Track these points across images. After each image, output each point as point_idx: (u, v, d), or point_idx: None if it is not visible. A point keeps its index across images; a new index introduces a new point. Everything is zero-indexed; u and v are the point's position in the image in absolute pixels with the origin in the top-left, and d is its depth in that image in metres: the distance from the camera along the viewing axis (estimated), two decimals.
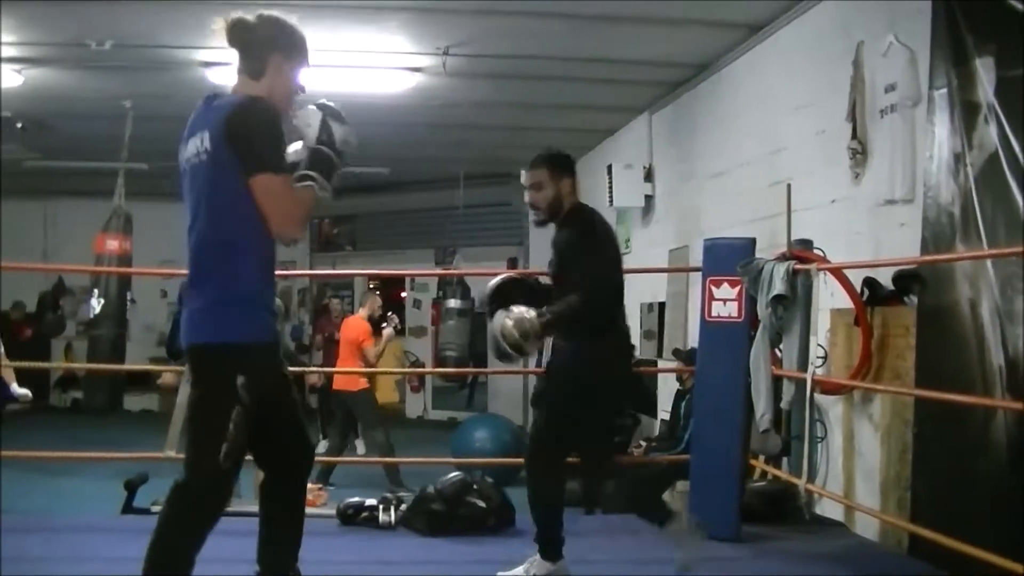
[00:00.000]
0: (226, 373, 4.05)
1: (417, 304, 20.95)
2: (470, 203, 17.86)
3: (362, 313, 12.72)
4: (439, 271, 18.65)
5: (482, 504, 6.94)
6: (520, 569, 5.66)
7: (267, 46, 4.23)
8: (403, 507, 6.90)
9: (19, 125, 13.31)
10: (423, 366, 20.42)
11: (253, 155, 4.03)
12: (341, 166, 4.32)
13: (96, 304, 12.55)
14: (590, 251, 5.58)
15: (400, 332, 15.46)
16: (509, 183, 18.69)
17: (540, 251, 18.37)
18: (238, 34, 4.24)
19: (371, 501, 7.08)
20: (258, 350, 4.16)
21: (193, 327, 4.16)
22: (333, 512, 7.25)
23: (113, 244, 12.16)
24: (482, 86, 11.71)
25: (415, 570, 5.99)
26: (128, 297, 13.02)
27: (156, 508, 8.00)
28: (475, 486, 7.03)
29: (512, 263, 18.54)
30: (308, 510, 7.67)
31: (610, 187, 12.71)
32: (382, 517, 6.83)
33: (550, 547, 5.69)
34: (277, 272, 4.42)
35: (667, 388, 11.24)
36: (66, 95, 11.88)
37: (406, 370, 20.75)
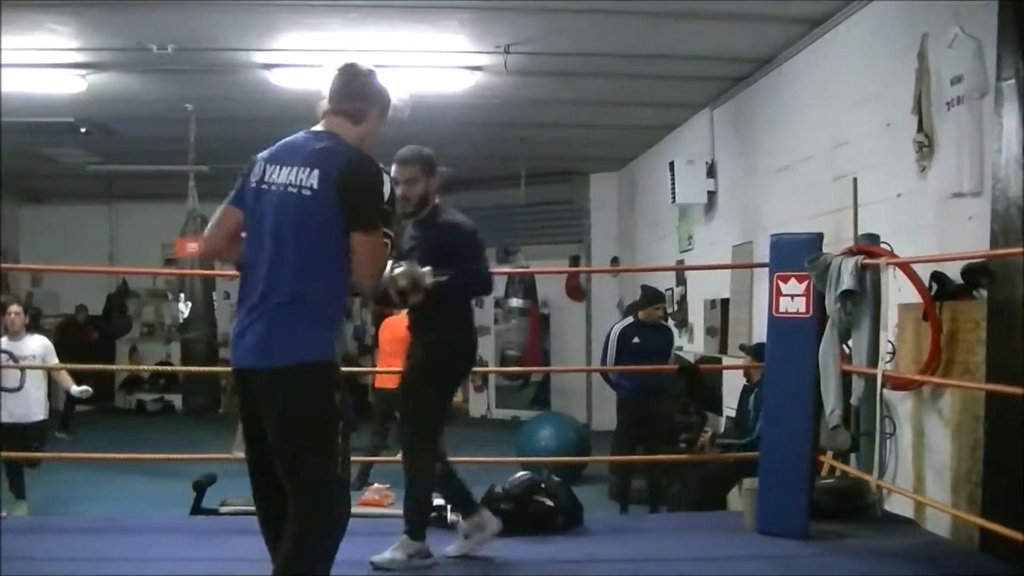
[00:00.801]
0: (326, 391, 4.19)
1: (479, 303, 20.88)
2: (531, 201, 17.83)
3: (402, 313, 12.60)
4: (501, 270, 18.61)
5: (550, 503, 6.94)
6: (389, 553, 5.88)
7: (375, 97, 4.57)
8: None
9: (83, 130, 13.45)
10: (486, 366, 20.42)
11: (361, 214, 4.25)
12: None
13: (184, 308, 12.71)
14: (478, 246, 6.21)
15: None
16: (571, 181, 18.69)
17: (602, 248, 18.38)
18: (353, 77, 4.54)
19: (439, 501, 7.08)
20: (337, 366, 4.33)
21: (274, 349, 4.20)
22: (400, 512, 7.25)
23: (193, 247, 12.29)
24: (543, 84, 11.70)
25: (483, 570, 5.98)
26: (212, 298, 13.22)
27: (224, 509, 8.07)
28: (543, 485, 7.03)
29: (574, 261, 18.47)
30: (375, 510, 7.78)
31: (672, 183, 12.65)
32: (450, 517, 6.83)
33: (419, 527, 5.98)
34: None
35: (731, 384, 11.18)
36: (129, 99, 11.98)
37: None
